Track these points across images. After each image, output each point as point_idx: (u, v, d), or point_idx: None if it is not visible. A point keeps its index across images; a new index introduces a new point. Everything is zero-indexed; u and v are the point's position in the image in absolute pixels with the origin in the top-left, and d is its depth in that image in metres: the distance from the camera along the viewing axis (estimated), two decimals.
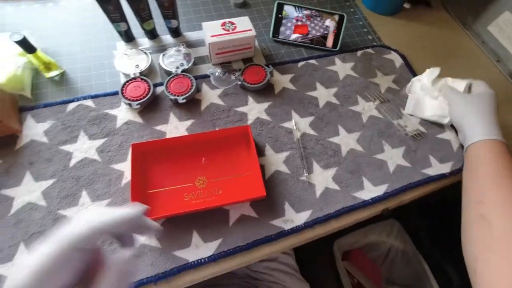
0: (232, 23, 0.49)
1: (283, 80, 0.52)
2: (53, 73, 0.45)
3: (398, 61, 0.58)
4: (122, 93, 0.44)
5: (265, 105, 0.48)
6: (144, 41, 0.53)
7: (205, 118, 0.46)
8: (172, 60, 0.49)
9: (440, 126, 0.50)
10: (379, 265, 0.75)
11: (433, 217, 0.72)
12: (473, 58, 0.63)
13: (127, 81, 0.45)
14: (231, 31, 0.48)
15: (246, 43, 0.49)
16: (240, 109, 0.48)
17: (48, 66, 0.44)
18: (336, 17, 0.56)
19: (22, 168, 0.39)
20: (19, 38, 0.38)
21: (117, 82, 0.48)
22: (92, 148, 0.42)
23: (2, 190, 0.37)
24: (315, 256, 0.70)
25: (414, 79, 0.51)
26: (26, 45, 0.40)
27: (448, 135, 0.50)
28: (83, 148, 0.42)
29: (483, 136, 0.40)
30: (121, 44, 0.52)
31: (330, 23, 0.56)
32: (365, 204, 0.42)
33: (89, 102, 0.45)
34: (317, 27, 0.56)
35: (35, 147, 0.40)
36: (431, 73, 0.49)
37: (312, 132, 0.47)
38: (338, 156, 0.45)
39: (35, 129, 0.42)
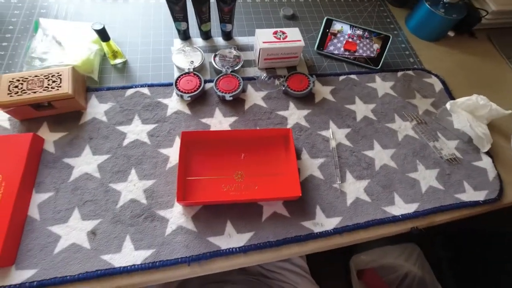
0: (283, 33, 0.52)
1: (323, 91, 0.54)
2: (118, 61, 0.50)
3: (438, 85, 0.59)
4: (176, 84, 0.48)
5: (305, 112, 0.51)
6: (199, 41, 0.57)
7: (248, 117, 0.49)
8: (223, 60, 0.52)
9: (477, 153, 0.50)
10: None
11: (457, 249, 0.70)
12: None
13: (181, 75, 0.49)
14: (281, 40, 0.51)
15: (294, 52, 0.52)
16: (281, 113, 0.50)
17: (115, 54, 0.49)
18: (381, 39, 0.58)
19: (83, 142, 0.43)
20: (99, 27, 0.43)
21: (171, 75, 0.52)
22: (143, 131, 0.45)
23: (65, 158, 0.41)
24: (327, 264, 0.70)
25: (452, 101, 0.52)
26: (103, 34, 0.44)
27: (485, 163, 0.49)
28: (136, 130, 0.45)
29: None
30: (177, 41, 0.56)
31: (376, 47, 0.58)
32: (394, 220, 0.42)
33: (145, 90, 0.49)
34: (364, 48, 0.58)
35: (96, 125, 0.45)
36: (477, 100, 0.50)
37: (347, 143, 0.48)
38: (371, 169, 0.46)
39: (97, 108, 0.46)
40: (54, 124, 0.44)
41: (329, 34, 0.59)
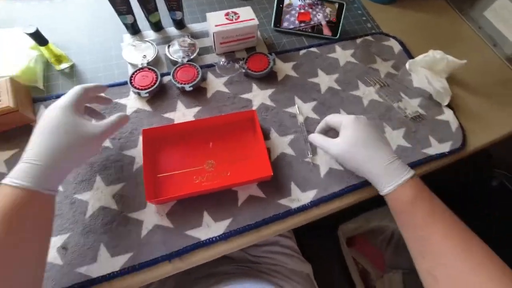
0: (235, 13, 0.50)
1: (285, 68, 0.53)
2: (64, 66, 0.47)
3: (396, 47, 0.59)
4: (131, 82, 0.46)
5: (269, 91, 0.50)
6: (150, 33, 0.54)
7: (212, 105, 0.48)
8: (178, 50, 0.50)
9: (439, 107, 0.52)
10: (383, 249, 0.77)
11: None
12: (470, 43, 0.64)
13: (135, 71, 0.47)
14: (234, 21, 0.50)
15: (249, 32, 0.51)
16: (245, 96, 0.49)
17: (59, 59, 0.45)
18: (336, 5, 0.58)
19: None
20: (32, 30, 0.40)
21: (125, 73, 0.49)
22: None
23: None
24: (317, 240, 0.72)
25: (410, 60, 0.53)
26: (38, 38, 0.41)
27: (446, 116, 0.51)
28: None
29: (386, 186, 0.34)
30: (127, 36, 0.53)
31: (330, 11, 0.57)
32: (369, 183, 0.43)
33: None
34: (318, 15, 0.58)
35: None
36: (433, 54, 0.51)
37: (315, 116, 0.48)
38: None
39: None
40: (2, 142, 0.41)
41: (283, 9, 0.58)
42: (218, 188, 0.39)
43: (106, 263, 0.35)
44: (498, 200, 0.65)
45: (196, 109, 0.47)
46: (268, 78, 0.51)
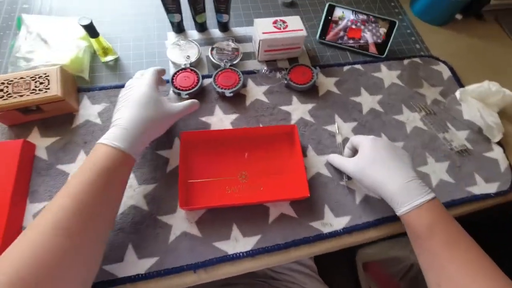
0: (284, 22, 0.49)
1: (327, 83, 0.51)
2: (109, 58, 0.47)
3: (446, 73, 0.56)
4: (173, 82, 0.45)
5: (309, 106, 0.48)
6: (194, 33, 0.54)
7: (250, 113, 0.47)
8: (221, 53, 0.50)
9: (488, 143, 0.49)
10: (398, 280, 0.74)
11: None
12: None
13: (178, 71, 0.47)
14: (282, 30, 0.48)
15: (296, 42, 0.49)
16: (284, 108, 0.48)
17: (105, 51, 0.46)
18: (387, 24, 0.55)
19: (77, 146, 0.41)
20: (86, 22, 0.40)
21: (166, 71, 0.49)
22: None
23: (59, 165, 0.39)
24: (334, 260, 0.69)
25: (461, 89, 0.50)
26: (91, 30, 0.41)
27: (496, 154, 0.48)
28: None
29: (402, 206, 0.32)
30: (171, 34, 0.53)
31: (383, 31, 0.55)
32: None
33: None
34: (370, 33, 0.55)
35: (89, 127, 0.42)
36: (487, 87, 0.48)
37: None
38: None
39: (90, 110, 0.43)
40: (45, 129, 0.41)
41: (331, 22, 0.56)
42: (251, 203, 0.38)
43: (132, 264, 0.35)
44: None
45: (234, 116, 0.46)
46: (309, 92, 0.50)
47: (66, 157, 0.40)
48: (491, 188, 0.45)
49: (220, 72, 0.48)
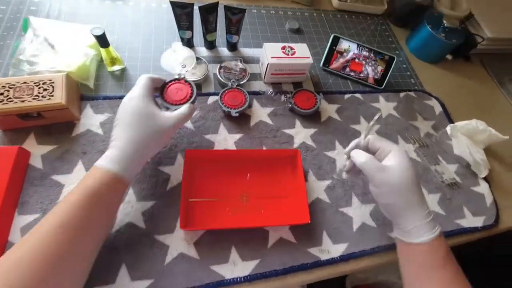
0: (292, 48, 0.51)
1: (329, 109, 0.53)
2: (116, 68, 0.47)
3: (437, 108, 0.60)
4: (163, 93, 0.39)
5: (311, 131, 0.50)
6: (202, 50, 0.55)
7: (254, 134, 0.47)
8: (229, 73, 0.50)
9: (475, 178, 0.52)
10: None
11: None
12: (507, 116, 0.65)
13: (169, 82, 0.40)
14: (290, 56, 0.50)
15: (302, 69, 0.51)
16: (287, 131, 0.49)
17: (113, 61, 0.45)
18: (384, 63, 0.59)
19: (75, 156, 0.39)
20: (100, 32, 0.40)
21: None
22: None
23: (54, 175, 0.37)
24: (324, 282, 0.69)
25: (452, 125, 0.53)
26: (103, 40, 0.41)
27: (482, 188, 0.51)
28: None
29: (423, 236, 0.32)
30: (177, 44, 0.53)
31: (380, 69, 0.59)
32: None
33: None
34: (369, 69, 0.59)
35: (90, 137, 0.41)
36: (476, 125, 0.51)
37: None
38: None
39: (92, 119, 0.42)
40: (42, 136, 0.40)
41: (335, 52, 0.58)
42: (252, 226, 0.38)
43: (125, 286, 0.33)
44: None
45: (238, 135, 0.46)
46: (312, 117, 0.51)
47: (62, 167, 0.38)
48: (478, 221, 0.47)
49: (227, 91, 0.48)
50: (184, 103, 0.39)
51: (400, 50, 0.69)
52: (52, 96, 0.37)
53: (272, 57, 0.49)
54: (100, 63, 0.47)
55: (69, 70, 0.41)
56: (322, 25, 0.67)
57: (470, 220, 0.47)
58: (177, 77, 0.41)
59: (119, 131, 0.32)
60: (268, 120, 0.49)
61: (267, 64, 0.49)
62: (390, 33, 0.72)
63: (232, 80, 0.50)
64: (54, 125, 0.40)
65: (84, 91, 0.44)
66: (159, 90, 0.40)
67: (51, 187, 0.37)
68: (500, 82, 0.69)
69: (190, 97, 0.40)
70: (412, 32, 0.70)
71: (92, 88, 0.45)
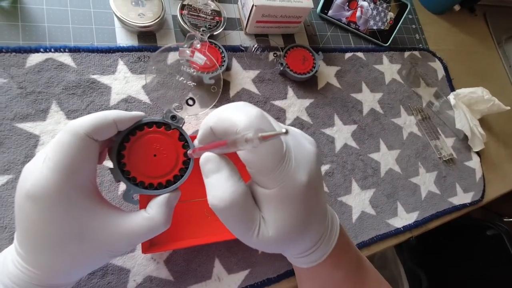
0: None
1: (328, 73, 0.42)
2: None
3: (440, 72, 0.53)
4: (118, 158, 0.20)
5: (307, 102, 0.39)
6: None
7: None
8: (196, 17, 0.35)
9: (468, 151, 0.49)
10: None
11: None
12: (500, 81, 0.61)
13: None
14: None
15: (298, 15, 0.38)
16: (277, 103, 0.38)
17: None
18: (399, 4, 0.47)
19: None
20: None
21: (112, 32, 0.32)
22: None
23: None
24: None
25: (454, 93, 0.48)
26: None
27: (474, 163, 0.49)
28: (57, 130, 0.28)
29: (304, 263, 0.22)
30: None
31: (390, 15, 0.47)
32: (397, 232, 0.39)
33: (66, 58, 0.30)
34: (377, 18, 0.46)
35: None
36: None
37: (354, 144, 0.40)
38: (377, 175, 0.40)
39: None
40: None
41: None
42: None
43: None
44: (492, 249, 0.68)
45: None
46: (307, 83, 0.40)
47: None
48: (467, 198, 0.46)
49: (194, 46, 0.33)
50: (167, 184, 0.21)
51: None
52: None
53: None
54: None
55: None
56: None
57: (461, 197, 0.45)
58: (160, 119, 0.21)
59: (32, 258, 0.17)
60: (253, 88, 0.37)
61: (252, 6, 0.34)
62: None
63: (201, 29, 0.34)
64: None
65: None
66: (115, 144, 0.19)
67: None
68: (498, 41, 0.64)
69: (182, 170, 0.21)
70: None
71: None
